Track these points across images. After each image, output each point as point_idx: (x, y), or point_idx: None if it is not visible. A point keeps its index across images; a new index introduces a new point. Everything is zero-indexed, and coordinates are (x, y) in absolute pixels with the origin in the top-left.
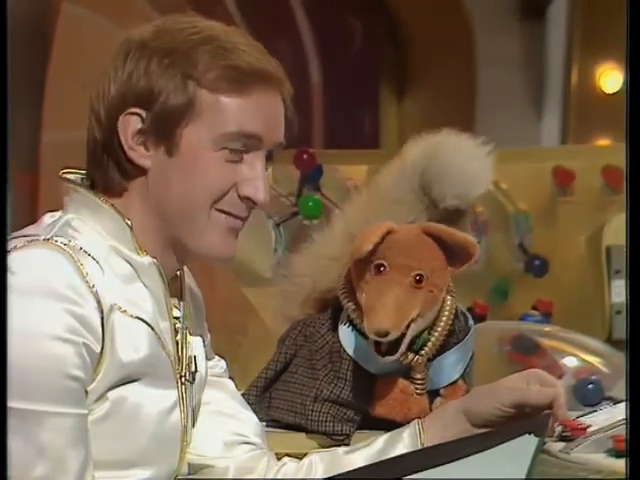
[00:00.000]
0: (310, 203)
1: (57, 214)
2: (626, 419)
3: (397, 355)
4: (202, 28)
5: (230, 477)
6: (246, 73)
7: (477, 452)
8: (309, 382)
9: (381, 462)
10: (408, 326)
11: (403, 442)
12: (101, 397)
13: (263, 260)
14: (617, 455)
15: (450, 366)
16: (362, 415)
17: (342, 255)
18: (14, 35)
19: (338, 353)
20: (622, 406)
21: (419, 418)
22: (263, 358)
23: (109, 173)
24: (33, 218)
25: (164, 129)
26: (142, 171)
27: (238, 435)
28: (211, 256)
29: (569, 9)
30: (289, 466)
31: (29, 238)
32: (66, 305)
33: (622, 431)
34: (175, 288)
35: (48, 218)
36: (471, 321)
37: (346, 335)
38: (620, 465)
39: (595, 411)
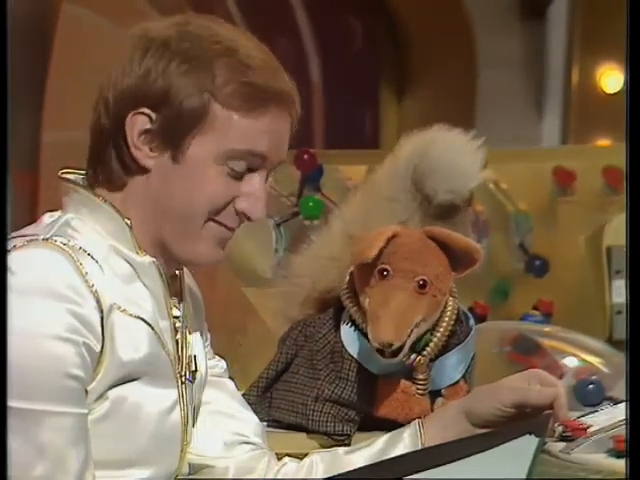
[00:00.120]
0: (310, 203)
1: (56, 214)
2: (626, 419)
3: (399, 357)
4: (223, 38)
5: (230, 477)
6: (261, 92)
7: (478, 452)
8: (310, 382)
9: (381, 462)
10: (411, 332)
11: (404, 442)
12: (101, 396)
13: (263, 260)
14: (617, 455)
15: (452, 366)
16: (363, 415)
17: (341, 255)
18: (14, 35)
19: (340, 353)
20: (623, 406)
21: (420, 418)
22: (263, 358)
23: (111, 164)
24: (33, 218)
25: (172, 136)
26: (144, 170)
27: (238, 435)
28: (195, 262)
29: (569, 9)
30: (289, 466)
31: (28, 238)
32: (66, 305)
33: (622, 431)
34: (175, 288)
35: (47, 218)
36: (472, 322)
37: (348, 335)
38: (620, 465)
39: (596, 411)
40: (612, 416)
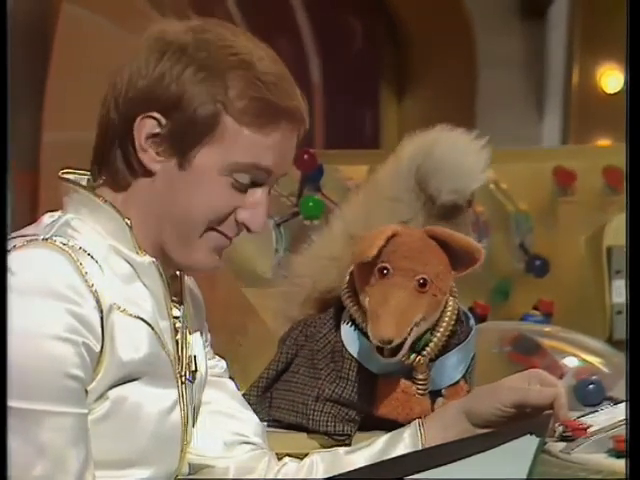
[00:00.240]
0: (311, 203)
1: (56, 214)
2: (626, 419)
3: (398, 356)
4: (240, 49)
5: (230, 477)
6: (273, 109)
7: (478, 452)
8: (311, 382)
9: (382, 462)
10: (411, 330)
11: (404, 442)
12: (101, 396)
13: (263, 260)
14: (618, 455)
15: (452, 367)
16: (364, 415)
17: (342, 255)
18: (14, 35)
19: (340, 353)
20: (623, 406)
21: (420, 418)
22: (263, 358)
23: (116, 164)
24: (33, 218)
25: (181, 142)
26: (149, 173)
27: (238, 435)
28: (191, 268)
29: (569, 9)
30: (290, 466)
31: (28, 238)
32: (66, 305)
33: (623, 431)
34: (175, 288)
35: (47, 218)
36: (472, 322)
37: (348, 334)
38: (621, 465)
39: (596, 411)
40: (612, 416)
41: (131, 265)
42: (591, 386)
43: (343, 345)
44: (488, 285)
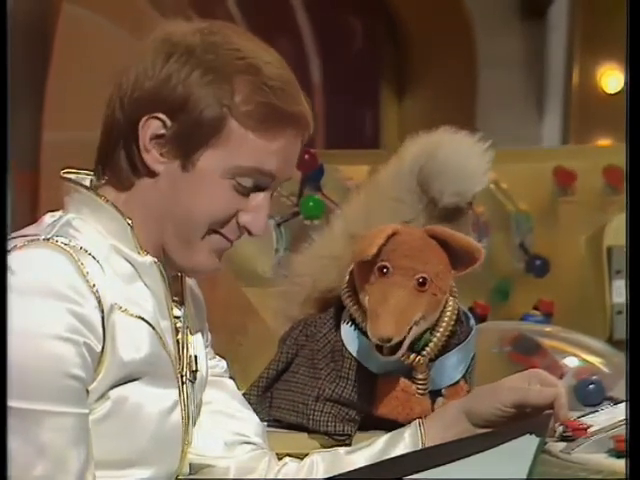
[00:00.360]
0: (311, 203)
1: (58, 214)
2: (626, 419)
3: (398, 355)
4: (247, 53)
5: (231, 477)
6: (279, 115)
7: (478, 452)
8: (311, 382)
9: (382, 462)
10: (410, 329)
11: (404, 442)
12: (102, 396)
13: (264, 260)
14: (618, 455)
15: (452, 366)
16: (364, 415)
17: (342, 255)
18: (15, 35)
19: (340, 352)
20: (623, 406)
21: (420, 418)
22: (264, 358)
23: (120, 163)
24: (34, 218)
25: (186, 144)
26: (152, 174)
27: (239, 435)
28: (191, 270)
29: (570, 9)
30: (290, 466)
31: (29, 238)
32: (67, 304)
33: (623, 431)
34: (176, 288)
35: (49, 218)
36: (473, 322)
37: (348, 334)
38: (621, 465)
39: (596, 411)
40: (612, 416)
41: (132, 265)
42: (591, 386)
43: (343, 344)
44: (488, 285)
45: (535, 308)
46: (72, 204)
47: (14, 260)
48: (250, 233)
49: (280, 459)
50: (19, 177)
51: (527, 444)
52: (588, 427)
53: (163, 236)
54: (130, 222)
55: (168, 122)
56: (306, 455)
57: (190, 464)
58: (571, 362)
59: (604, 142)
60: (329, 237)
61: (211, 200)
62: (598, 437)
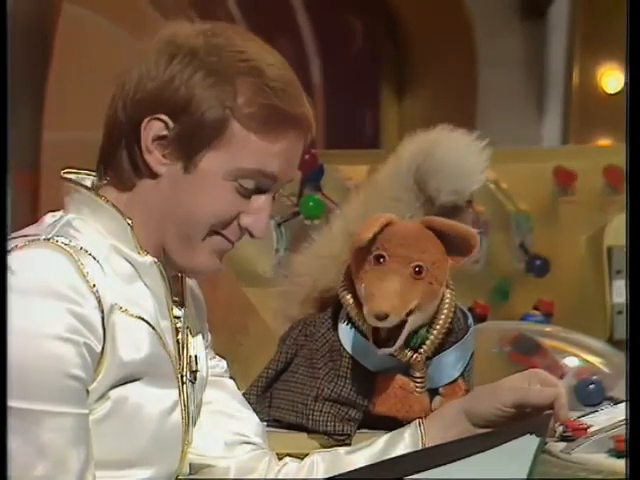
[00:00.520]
0: (311, 203)
1: (58, 214)
2: (626, 419)
3: (395, 347)
4: (250, 56)
5: (231, 477)
6: (281, 116)
7: (478, 452)
8: (310, 381)
9: (382, 462)
10: (407, 316)
11: (404, 442)
12: (102, 397)
13: (264, 260)
14: (618, 455)
15: (450, 365)
16: (363, 414)
17: (341, 254)
18: (15, 35)
19: (338, 351)
20: (623, 406)
21: (420, 417)
22: (264, 358)
23: (122, 164)
24: (34, 218)
25: (188, 146)
26: (154, 175)
27: (239, 435)
28: (192, 271)
29: (570, 9)
30: (290, 466)
31: (30, 238)
32: (67, 305)
33: (623, 431)
34: (176, 288)
35: (49, 218)
36: (470, 320)
37: (345, 333)
38: (621, 465)
39: (596, 411)
40: (612, 416)
41: (132, 265)
42: (591, 386)
43: (340, 344)
44: (488, 285)
45: (535, 308)
46: (72, 204)
47: (14, 260)
48: (252, 235)
49: (280, 459)
50: (19, 177)
51: (527, 444)
52: (588, 427)
53: (164, 236)
54: (130, 222)
55: (170, 123)
56: (306, 455)
57: (190, 464)
58: (571, 362)
59: (604, 142)
60: (329, 237)
61: (213, 202)
62: (598, 437)
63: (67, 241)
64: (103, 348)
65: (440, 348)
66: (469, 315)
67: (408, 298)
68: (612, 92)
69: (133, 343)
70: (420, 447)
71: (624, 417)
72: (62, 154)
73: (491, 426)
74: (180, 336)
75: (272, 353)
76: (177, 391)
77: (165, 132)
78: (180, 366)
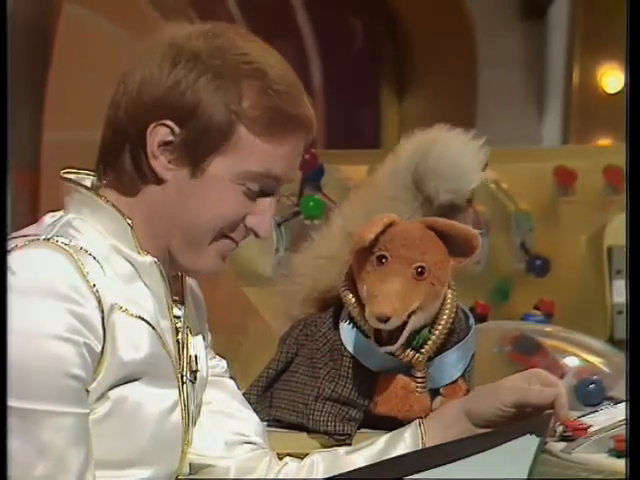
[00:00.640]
0: (311, 203)
1: (58, 214)
2: (626, 419)
3: (396, 345)
4: (254, 58)
5: (231, 477)
6: (285, 119)
7: (478, 452)
8: (310, 381)
9: (382, 462)
10: (409, 317)
11: (404, 442)
12: (102, 396)
13: (264, 260)
14: (618, 455)
15: (451, 365)
16: (364, 414)
17: (341, 254)
18: (15, 35)
19: (339, 351)
20: (623, 406)
21: (421, 417)
22: (264, 357)
23: (124, 168)
24: (34, 218)
25: (195, 151)
26: (160, 180)
27: (239, 435)
28: (198, 272)
29: (570, 9)
30: (290, 466)
31: (30, 238)
32: (67, 305)
33: (623, 431)
34: (176, 288)
35: (49, 218)
36: (472, 320)
37: (347, 332)
38: (621, 465)
39: (596, 411)
40: (613, 416)
41: (132, 265)
42: (592, 386)
43: (342, 343)
44: (489, 285)
45: (536, 308)
46: (72, 204)
47: (14, 260)
48: (257, 235)
49: (280, 459)
50: (19, 177)
51: (527, 444)
52: (588, 427)
53: (170, 240)
54: (130, 222)
55: (176, 129)
56: (306, 455)
57: (190, 464)
58: (571, 362)
59: (604, 142)
60: (329, 236)
61: (222, 205)
62: (598, 437)
63: (67, 241)
64: (103, 348)
65: (442, 348)
66: (470, 315)
67: (410, 299)
68: (612, 92)
69: (133, 343)
70: (420, 447)
71: (624, 417)
72: (62, 154)
73: (491, 426)
74: (180, 336)
75: (272, 353)
76: (177, 391)
77: (171, 138)
78: (180, 366)
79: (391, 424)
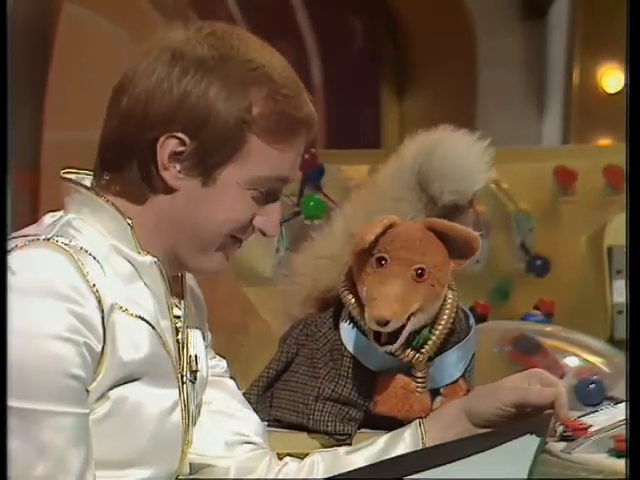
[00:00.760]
0: (312, 203)
1: (58, 214)
2: (626, 419)
3: (396, 345)
4: (258, 63)
5: (231, 477)
6: (291, 121)
7: (478, 452)
8: (311, 381)
9: (382, 462)
10: (408, 318)
11: (404, 442)
12: (102, 396)
13: (264, 260)
14: (618, 455)
15: (451, 365)
16: (364, 414)
17: (342, 254)
18: (15, 35)
19: (339, 351)
20: (623, 406)
21: (421, 417)
22: (264, 357)
23: (131, 176)
24: (34, 218)
25: (206, 161)
26: (169, 190)
27: (239, 435)
28: (204, 272)
29: (570, 9)
30: (290, 466)
31: (30, 238)
32: (67, 304)
33: (623, 431)
34: (176, 287)
35: (49, 218)
36: (472, 320)
37: (347, 332)
38: (621, 465)
39: (596, 411)
40: (613, 416)
41: (132, 265)
42: (592, 386)
43: (342, 343)
44: (489, 285)
45: (536, 308)
46: (72, 204)
47: (14, 260)
48: (265, 234)
49: (280, 459)
50: (19, 177)
51: (527, 444)
52: (588, 427)
53: (178, 244)
54: (130, 222)
55: (187, 140)
56: (306, 455)
57: (190, 464)
58: (572, 362)
59: (604, 142)
60: (329, 236)
61: (233, 211)
62: (598, 437)
63: (67, 241)
64: (103, 348)
65: (442, 348)
66: (471, 315)
67: (409, 302)
68: (612, 92)
69: (133, 343)
70: (420, 447)
71: (624, 417)
72: (62, 154)
73: (491, 426)
74: (180, 336)
75: (272, 353)
76: (177, 391)
77: (182, 148)
78: (180, 366)
79: (391, 424)
